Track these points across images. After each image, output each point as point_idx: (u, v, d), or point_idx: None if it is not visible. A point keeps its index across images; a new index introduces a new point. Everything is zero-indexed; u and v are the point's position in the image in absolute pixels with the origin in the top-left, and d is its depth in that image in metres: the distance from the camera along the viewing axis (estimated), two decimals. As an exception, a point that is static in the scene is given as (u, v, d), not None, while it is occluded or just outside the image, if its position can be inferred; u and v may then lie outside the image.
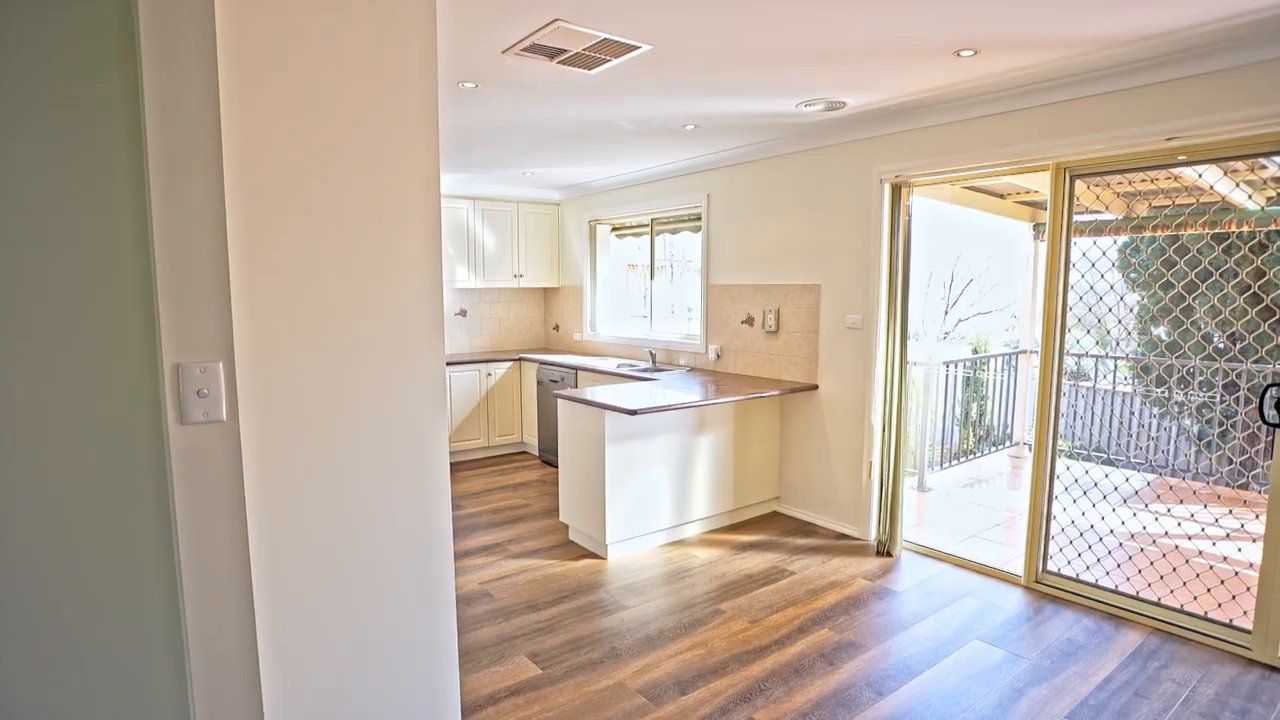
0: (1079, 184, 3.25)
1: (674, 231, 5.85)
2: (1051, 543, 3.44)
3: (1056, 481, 3.39)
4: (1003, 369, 6.48)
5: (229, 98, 1.33)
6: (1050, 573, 3.42)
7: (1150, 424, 6.11)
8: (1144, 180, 4.33)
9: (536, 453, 6.26)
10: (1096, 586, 3.27)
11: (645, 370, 5.25)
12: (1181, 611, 3.02)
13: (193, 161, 1.30)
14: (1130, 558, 3.46)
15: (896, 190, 3.86)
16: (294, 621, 1.53)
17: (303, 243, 1.50)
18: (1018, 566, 3.65)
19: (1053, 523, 3.42)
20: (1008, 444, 6.48)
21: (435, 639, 1.89)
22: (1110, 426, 5.89)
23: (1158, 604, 3.08)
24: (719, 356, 5.13)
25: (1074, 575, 3.36)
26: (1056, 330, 3.31)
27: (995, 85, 3.22)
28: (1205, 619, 2.95)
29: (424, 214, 1.84)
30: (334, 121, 1.51)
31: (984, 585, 3.52)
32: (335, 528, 1.61)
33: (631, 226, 6.25)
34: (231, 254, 1.36)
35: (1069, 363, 7.19)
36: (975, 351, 10.59)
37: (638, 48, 2.77)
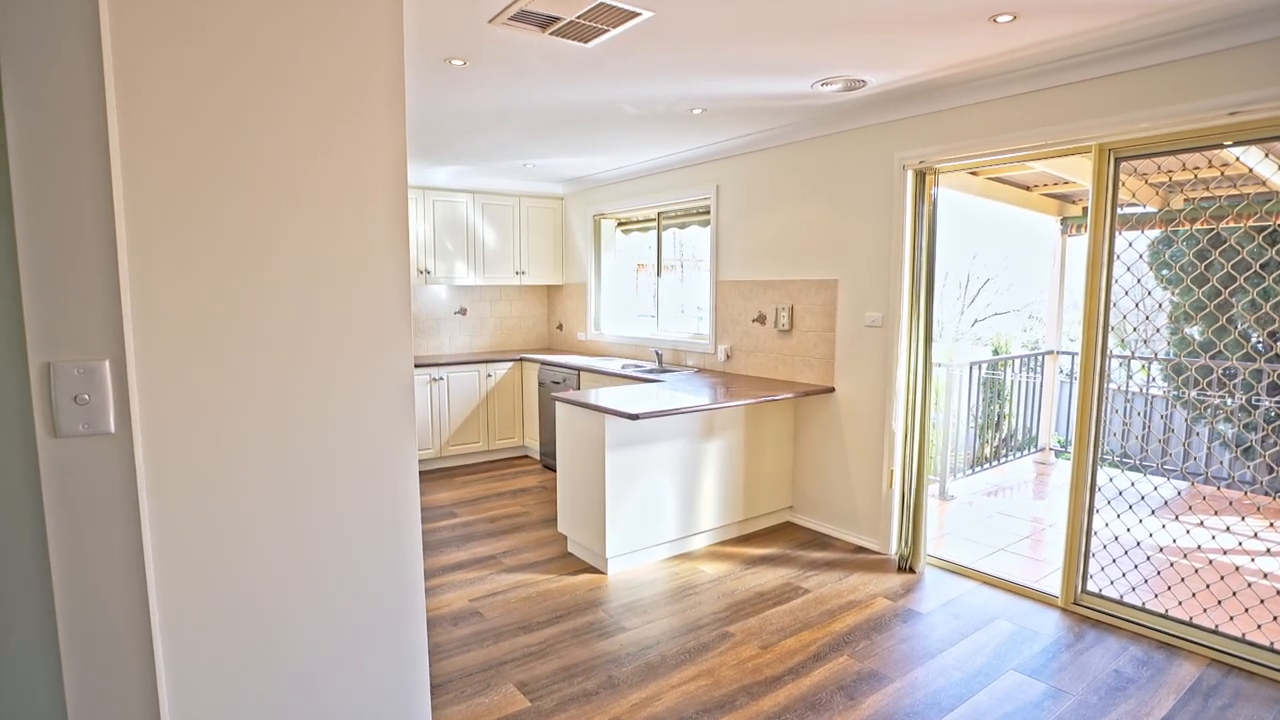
0: (1119, 171, 2.96)
1: (682, 226, 5.58)
2: (1091, 560, 3.14)
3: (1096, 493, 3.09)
4: (1023, 370, 6.17)
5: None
6: (1090, 594, 3.12)
7: (1185, 428, 5.78)
8: (1187, 169, 4.01)
9: (538, 457, 6.01)
10: (1143, 610, 2.96)
11: (651, 371, 4.98)
12: (1243, 641, 2.71)
13: (63, 90, 1.04)
14: (1184, 579, 3.14)
15: (920, 177, 3.58)
16: (210, 679, 1.27)
17: (227, 213, 1.24)
18: (1051, 585, 3.35)
19: (1093, 538, 3.12)
20: (1032, 449, 6.17)
21: (403, 681, 1.64)
22: (1141, 432, 5.56)
23: (1215, 632, 2.78)
24: (729, 357, 4.85)
25: (1117, 597, 3.06)
26: (1099, 330, 3.01)
27: (1033, 59, 2.93)
28: (1271, 650, 2.65)
29: (389, 197, 1.60)
30: (275, 82, 1.26)
31: (1016, 606, 3.23)
32: (267, 562, 1.36)
33: (638, 221, 5.99)
34: (126, 222, 1.11)
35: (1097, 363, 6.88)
36: (996, 352, 10.25)
37: (637, 14, 2.51)
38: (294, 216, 1.40)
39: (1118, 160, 2.91)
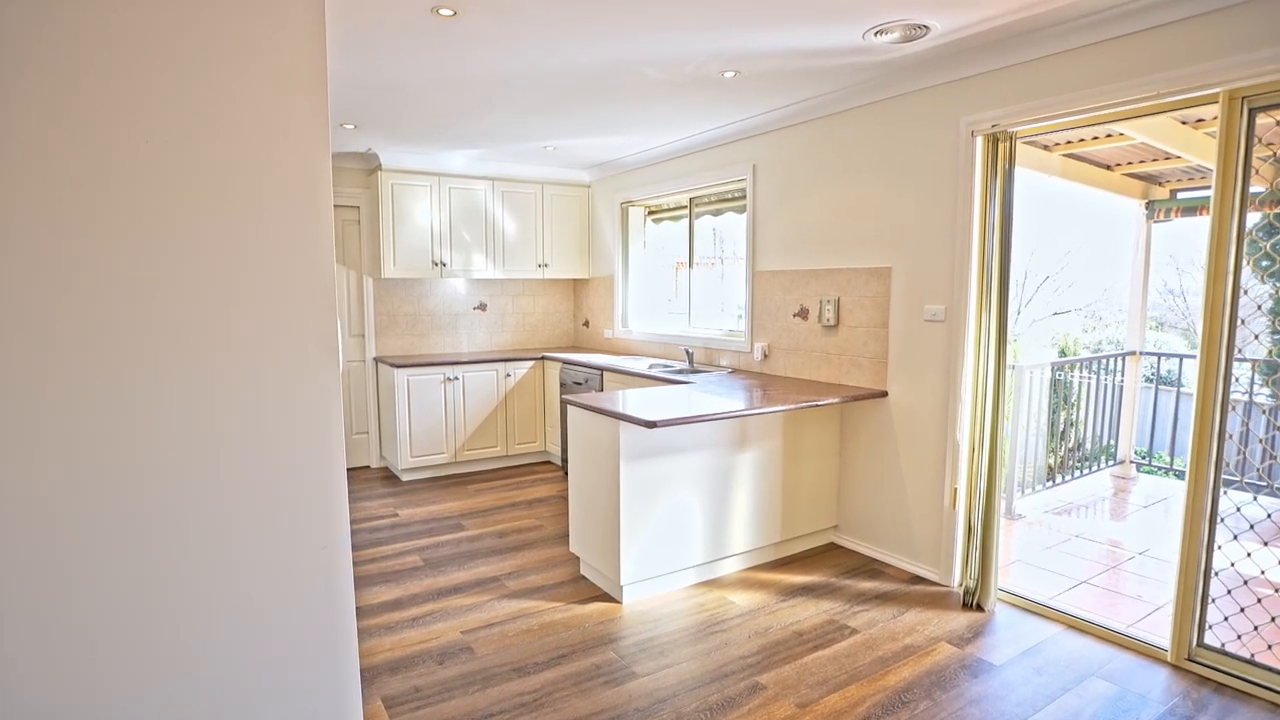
0: (1254, 126, 2.37)
1: (716, 213, 5.09)
2: (1210, 606, 2.56)
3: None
4: (1097, 373, 5.47)
5: None
6: (1209, 648, 2.54)
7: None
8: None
9: (559, 463, 5.59)
10: (1282, 674, 2.38)
11: (680, 372, 4.51)
12: None
13: None
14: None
15: (993, 144, 3.02)
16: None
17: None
18: (1152, 632, 2.79)
19: (1213, 580, 2.53)
20: (1109, 462, 5.49)
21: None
22: (1241, 445, 4.85)
23: (1387, 710, 2.19)
24: (766, 356, 4.35)
25: (1246, 655, 2.47)
26: (1223, 325, 2.43)
27: (1142, -12, 2.38)
28: None
29: (302, 154, 1.23)
30: None
31: (1113, 660, 2.66)
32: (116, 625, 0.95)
33: (669, 209, 5.51)
34: None
35: (1167, 368, 6.13)
36: (1063, 353, 9.48)
37: (649, -68, 2.05)
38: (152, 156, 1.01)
39: (1253, 111, 2.33)
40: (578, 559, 3.63)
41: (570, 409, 3.39)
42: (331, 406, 1.36)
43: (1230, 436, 2.49)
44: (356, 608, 3.09)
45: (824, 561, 3.65)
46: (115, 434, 1.14)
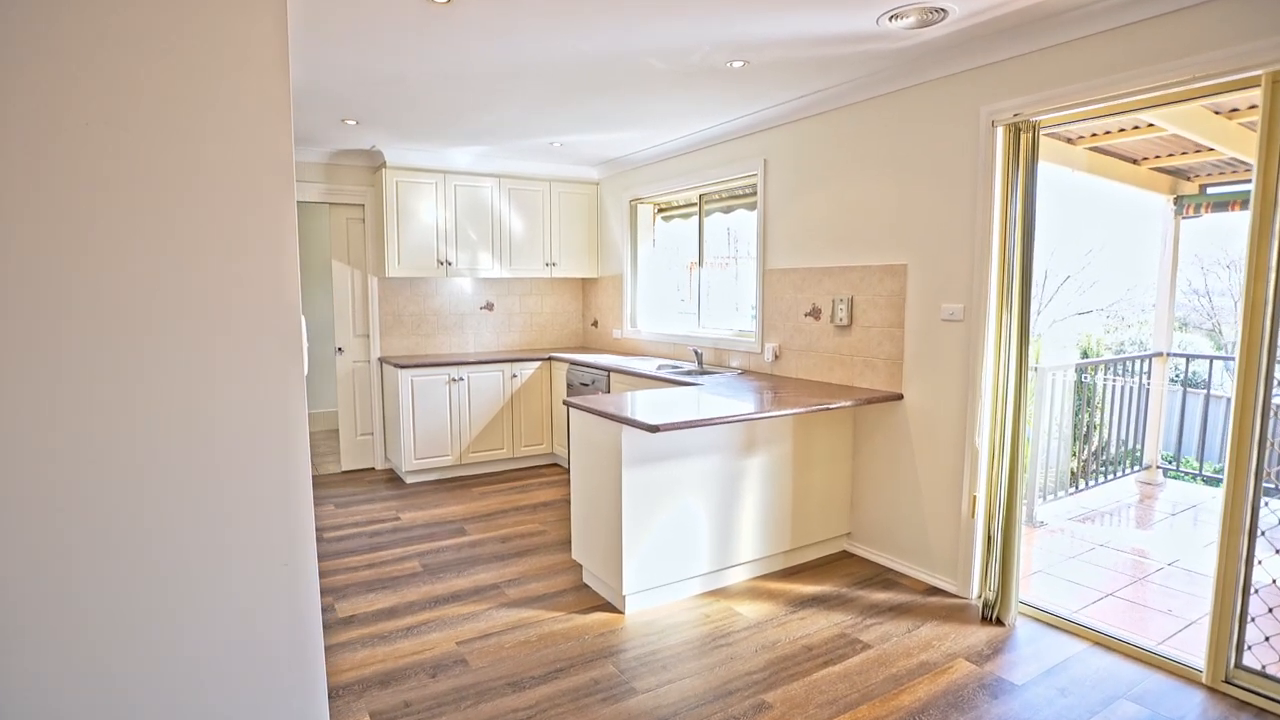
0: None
1: (727, 210, 4.95)
2: (1249, 625, 2.39)
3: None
4: (1122, 375, 5.28)
5: None
6: (1248, 670, 2.38)
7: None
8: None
9: (566, 466, 5.48)
10: (1329, 700, 2.21)
11: (688, 373, 4.38)
12: None
13: None
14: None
15: (1014, 135, 2.87)
16: None
17: None
18: (1184, 650, 2.62)
19: (1252, 597, 2.37)
20: (1134, 467, 5.29)
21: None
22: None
23: None
24: (777, 357, 4.21)
25: (1288, 678, 2.31)
26: (1265, 323, 2.27)
27: (1176, -35, 2.22)
28: None
29: (264, 149, 1.15)
30: None
31: (1143, 680, 2.50)
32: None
33: (679, 206, 5.39)
34: None
35: (1197, 368, 5.90)
36: (1085, 355, 9.24)
37: (646, -93, 1.93)
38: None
39: (1297, 95, 2.17)
40: (580, 566, 3.51)
41: (571, 411, 3.28)
42: (295, 416, 1.25)
43: (1271, 443, 2.33)
44: (351, 615, 3.01)
45: (836, 571, 3.51)
46: (71, 432, 1.05)
